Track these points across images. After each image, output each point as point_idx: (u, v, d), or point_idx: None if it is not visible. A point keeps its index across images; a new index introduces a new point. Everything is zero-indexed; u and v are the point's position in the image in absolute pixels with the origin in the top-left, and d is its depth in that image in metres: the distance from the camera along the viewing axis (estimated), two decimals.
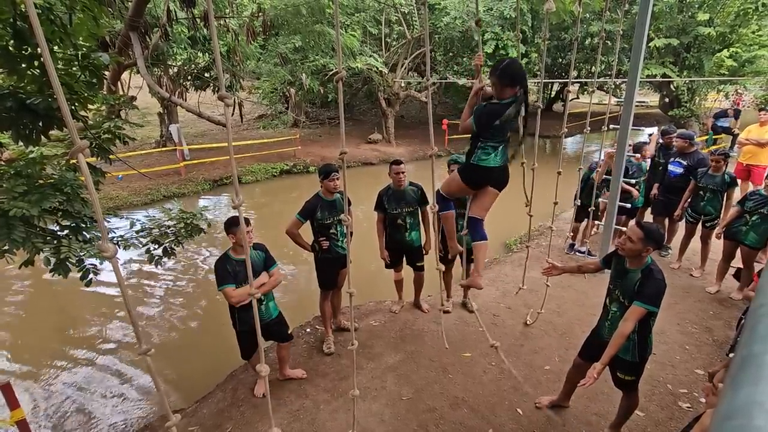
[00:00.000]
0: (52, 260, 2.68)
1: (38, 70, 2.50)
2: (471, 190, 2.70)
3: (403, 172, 3.92)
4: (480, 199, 2.68)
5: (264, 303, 3.19)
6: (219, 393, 3.54)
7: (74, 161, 2.80)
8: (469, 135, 2.60)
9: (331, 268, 3.78)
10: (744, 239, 4.26)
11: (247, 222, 3.00)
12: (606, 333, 2.66)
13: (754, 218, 4.19)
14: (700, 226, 4.91)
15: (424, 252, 4.19)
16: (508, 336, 4.06)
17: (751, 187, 6.22)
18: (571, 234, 5.80)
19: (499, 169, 2.56)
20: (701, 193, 4.80)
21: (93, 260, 2.87)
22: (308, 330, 4.30)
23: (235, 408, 3.31)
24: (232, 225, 2.99)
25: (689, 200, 4.91)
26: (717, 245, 4.72)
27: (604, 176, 5.03)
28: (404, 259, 4.23)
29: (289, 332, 3.46)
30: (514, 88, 2.39)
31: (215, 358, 4.35)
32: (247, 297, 2.99)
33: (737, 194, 4.92)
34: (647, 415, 3.09)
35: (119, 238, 3.30)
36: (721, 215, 4.67)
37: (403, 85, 14.05)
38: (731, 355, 3.03)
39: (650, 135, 5.48)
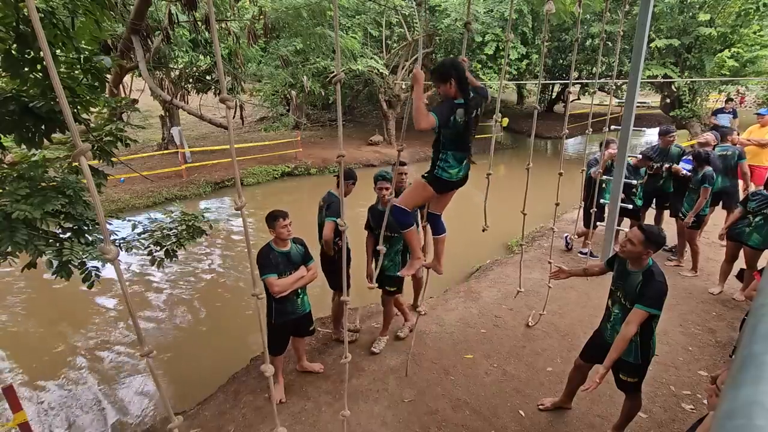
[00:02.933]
0: (55, 263, 2.69)
1: (41, 74, 2.51)
2: (437, 195, 2.70)
3: (405, 173, 3.96)
4: (442, 199, 2.82)
5: (300, 297, 3.26)
6: (221, 395, 3.54)
7: (76, 164, 2.82)
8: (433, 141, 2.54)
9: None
10: (747, 240, 4.25)
11: (285, 215, 3.06)
12: (608, 335, 2.66)
13: (757, 219, 4.19)
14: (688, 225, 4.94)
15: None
16: (509, 338, 4.05)
17: (752, 188, 6.20)
18: (577, 236, 5.78)
19: (462, 180, 2.61)
20: (687, 192, 4.89)
21: (95, 262, 2.87)
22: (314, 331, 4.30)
23: (237, 410, 3.31)
24: (272, 219, 3.05)
25: (680, 199, 4.98)
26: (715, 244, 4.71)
27: (605, 176, 5.01)
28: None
29: (312, 328, 3.52)
30: (446, 82, 2.34)
31: (217, 360, 4.35)
32: (289, 287, 3.05)
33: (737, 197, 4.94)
34: (650, 417, 3.07)
35: (121, 241, 3.30)
36: (693, 210, 4.72)
37: (404, 86, 14.06)
38: (734, 357, 3.02)
39: (602, 150, 5.16)
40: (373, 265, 3.63)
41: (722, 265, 4.62)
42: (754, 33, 11.36)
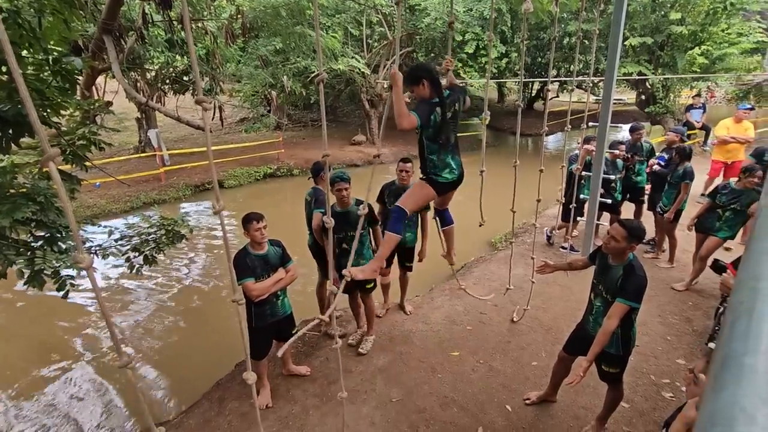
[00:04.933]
0: (26, 272, 2.59)
1: (6, 76, 2.41)
2: (438, 196, 2.73)
3: (407, 171, 3.87)
4: (445, 197, 2.97)
5: (280, 299, 3.21)
6: (205, 403, 3.47)
7: (47, 169, 2.71)
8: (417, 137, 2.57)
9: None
10: (717, 233, 4.37)
11: (260, 217, 3.01)
12: (591, 327, 2.72)
13: (727, 214, 4.30)
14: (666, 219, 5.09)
15: (418, 259, 4.18)
16: (495, 334, 4.09)
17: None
18: (557, 232, 5.88)
19: (459, 179, 2.66)
20: (666, 186, 5.01)
21: (70, 271, 2.77)
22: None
23: (222, 417, 3.25)
24: (246, 221, 3.00)
25: (658, 193, 5.12)
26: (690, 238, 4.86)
27: (583, 171, 5.11)
28: (395, 259, 4.21)
29: (294, 331, 3.45)
30: (419, 84, 2.38)
31: (201, 367, 4.26)
32: (267, 291, 3.00)
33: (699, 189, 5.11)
34: (632, 406, 3.15)
35: (97, 248, 3.20)
36: (674, 205, 4.83)
37: (386, 86, 14.06)
38: (711, 344, 3.11)
39: (580, 146, 5.31)
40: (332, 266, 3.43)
41: (693, 256, 4.76)
42: (722, 31, 11.76)
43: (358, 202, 3.40)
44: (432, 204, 3.25)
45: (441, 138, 2.47)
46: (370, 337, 3.92)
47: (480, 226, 3.21)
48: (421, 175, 2.65)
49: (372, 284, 3.70)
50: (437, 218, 3.32)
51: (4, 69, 2.40)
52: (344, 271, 2.07)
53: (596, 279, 2.72)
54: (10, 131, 2.56)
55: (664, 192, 5.01)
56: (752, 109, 6.91)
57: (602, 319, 2.53)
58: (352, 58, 12.27)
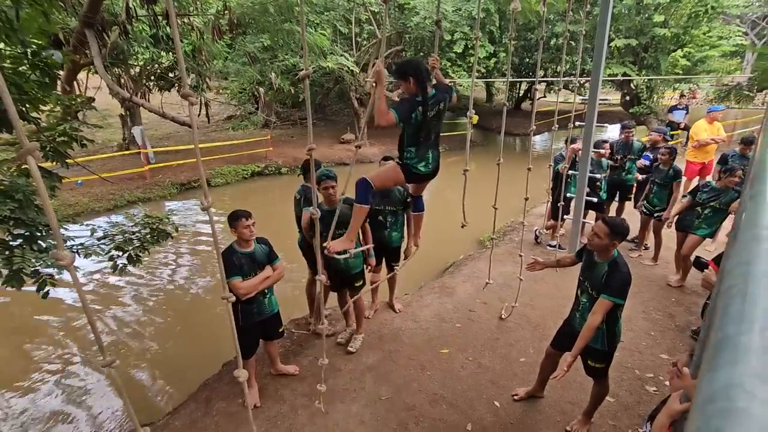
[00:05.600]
0: (5, 272, 2.51)
1: None
2: (408, 183, 2.86)
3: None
4: (420, 185, 3.06)
5: (267, 297, 3.18)
6: (192, 403, 3.42)
7: (26, 166, 2.64)
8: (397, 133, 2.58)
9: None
10: (696, 231, 4.48)
11: (248, 215, 2.97)
12: (577, 323, 2.76)
13: (706, 211, 4.41)
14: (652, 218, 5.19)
15: (404, 257, 4.15)
16: (484, 330, 4.12)
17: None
18: (545, 231, 5.95)
19: (433, 173, 2.67)
20: (651, 185, 5.09)
21: (50, 270, 2.70)
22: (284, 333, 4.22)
23: (209, 417, 3.20)
24: (233, 219, 2.96)
25: (645, 193, 5.20)
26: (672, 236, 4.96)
27: (570, 171, 5.18)
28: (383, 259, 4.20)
29: (281, 330, 3.42)
30: (405, 80, 2.41)
31: (187, 367, 4.20)
32: (254, 289, 2.97)
33: (681, 188, 5.23)
34: (617, 401, 3.21)
35: (79, 246, 3.12)
36: (669, 206, 4.92)
37: (373, 84, 14.04)
38: (706, 340, 3.18)
39: (566, 147, 5.41)
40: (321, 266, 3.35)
41: (675, 254, 4.87)
42: (704, 34, 12.05)
43: (347, 200, 3.26)
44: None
45: (421, 135, 2.49)
46: (359, 336, 3.91)
47: (462, 227, 3.15)
48: (397, 160, 2.65)
49: (361, 282, 3.70)
50: (412, 204, 3.49)
51: None
52: (325, 244, 2.19)
53: (582, 276, 2.77)
54: None
55: (653, 193, 5.07)
56: (723, 110, 7.16)
57: (588, 314, 2.57)
58: (341, 56, 12.21)
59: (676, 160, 4.95)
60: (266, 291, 3.15)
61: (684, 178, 5.71)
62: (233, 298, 1.58)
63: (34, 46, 2.61)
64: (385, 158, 3.93)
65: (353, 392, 3.36)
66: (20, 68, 2.57)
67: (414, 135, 2.48)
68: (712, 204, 4.35)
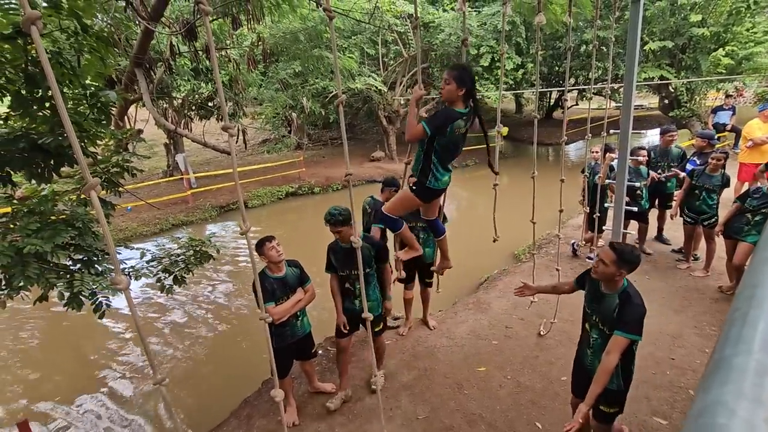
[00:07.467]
0: (66, 294, 2.72)
1: (49, 111, 2.59)
2: (423, 204, 2.78)
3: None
4: (431, 206, 2.95)
5: (299, 319, 3.24)
6: (233, 420, 3.51)
7: (85, 196, 2.87)
8: (420, 149, 2.58)
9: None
10: (745, 238, 4.19)
11: (272, 238, 3.07)
12: (589, 361, 2.50)
13: (757, 218, 4.13)
14: (700, 226, 4.89)
15: (435, 273, 4.10)
16: (522, 348, 4.00)
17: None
18: (584, 243, 5.74)
19: (446, 188, 2.69)
20: (696, 192, 4.79)
21: (105, 292, 2.90)
22: (320, 351, 4.28)
23: None
24: (259, 246, 3.04)
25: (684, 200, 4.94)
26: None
27: (606, 180, 5.01)
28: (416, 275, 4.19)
29: (313, 350, 3.48)
30: (459, 86, 2.36)
31: (228, 385, 4.33)
32: (287, 313, 3.06)
33: (731, 194, 4.93)
34: (670, 423, 3.00)
35: (130, 269, 3.34)
36: (719, 214, 4.65)
37: (402, 102, 14.25)
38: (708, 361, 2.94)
39: (600, 156, 5.16)
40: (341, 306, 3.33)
41: (726, 264, 4.56)
42: (747, 30, 11.43)
43: (366, 239, 3.27)
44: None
45: (453, 148, 2.51)
46: (380, 372, 3.81)
47: (494, 242, 3.13)
48: (411, 186, 2.64)
49: (381, 326, 3.50)
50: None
51: (47, 105, 2.59)
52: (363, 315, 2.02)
53: (589, 308, 2.48)
54: (52, 162, 2.75)
55: (701, 200, 4.77)
56: None
57: (602, 353, 2.28)
58: (369, 76, 12.54)
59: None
60: (298, 313, 3.19)
61: (735, 182, 5.41)
62: (270, 319, 1.65)
63: (92, 88, 2.88)
64: (386, 183, 3.92)
65: (389, 411, 3.34)
66: (80, 109, 2.84)
67: (446, 148, 2.49)
68: (764, 210, 4.07)
